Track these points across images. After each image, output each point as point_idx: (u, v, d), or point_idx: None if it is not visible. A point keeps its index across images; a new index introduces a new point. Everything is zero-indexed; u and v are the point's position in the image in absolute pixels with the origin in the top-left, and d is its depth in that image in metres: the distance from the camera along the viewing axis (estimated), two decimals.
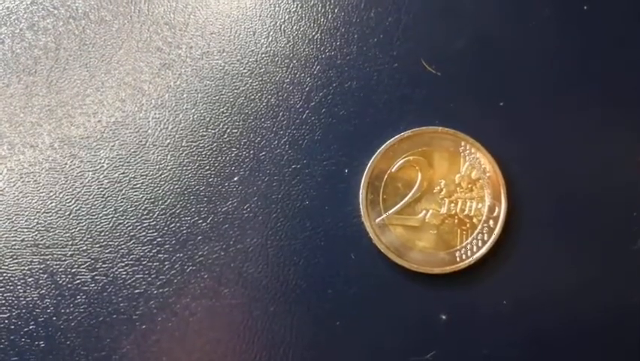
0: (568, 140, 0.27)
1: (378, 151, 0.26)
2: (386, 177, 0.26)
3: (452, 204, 0.26)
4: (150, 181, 0.26)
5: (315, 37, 0.27)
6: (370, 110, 0.27)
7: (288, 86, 0.27)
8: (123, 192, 0.26)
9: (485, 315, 0.26)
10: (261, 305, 0.26)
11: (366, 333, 0.26)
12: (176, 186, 0.26)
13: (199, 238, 0.26)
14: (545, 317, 0.26)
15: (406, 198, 0.26)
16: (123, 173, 0.26)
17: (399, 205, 0.26)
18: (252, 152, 0.26)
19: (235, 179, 0.26)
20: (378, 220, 0.26)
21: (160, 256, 0.26)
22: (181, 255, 0.26)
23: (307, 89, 0.27)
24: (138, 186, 0.26)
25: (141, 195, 0.26)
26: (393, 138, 0.26)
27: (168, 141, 0.27)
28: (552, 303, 0.26)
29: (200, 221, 0.26)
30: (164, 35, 0.27)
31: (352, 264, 0.26)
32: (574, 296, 0.26)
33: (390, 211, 0.26)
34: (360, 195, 0.26)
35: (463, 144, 0.26)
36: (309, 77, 0.27)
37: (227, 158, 0.26)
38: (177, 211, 0.26)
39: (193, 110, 0.27)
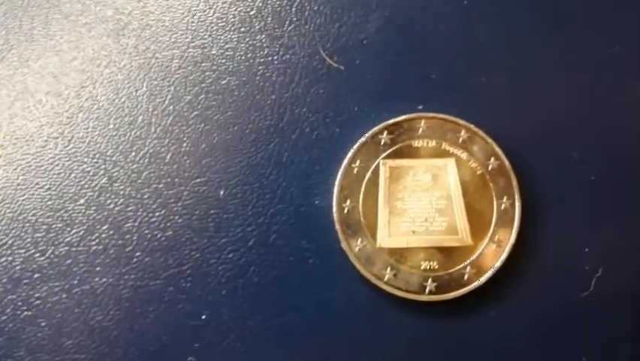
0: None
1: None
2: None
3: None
4: None
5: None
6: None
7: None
8: None
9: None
10: None
11: None
12: (8, 211, 0.23)
13: (35, 275, 0.23)
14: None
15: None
16: None
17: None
18: (103, 167, 0.23)
19: (81, 201, 0.23)
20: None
21: None
22: (14, 297, 0.23)
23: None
24: None
25: None
26: None
27: None
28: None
29: (37, 255, 0.23)
30: None
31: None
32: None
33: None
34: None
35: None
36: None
37: (73, 175, 0.23)
38: (9, 242, 0.23)
39: None
